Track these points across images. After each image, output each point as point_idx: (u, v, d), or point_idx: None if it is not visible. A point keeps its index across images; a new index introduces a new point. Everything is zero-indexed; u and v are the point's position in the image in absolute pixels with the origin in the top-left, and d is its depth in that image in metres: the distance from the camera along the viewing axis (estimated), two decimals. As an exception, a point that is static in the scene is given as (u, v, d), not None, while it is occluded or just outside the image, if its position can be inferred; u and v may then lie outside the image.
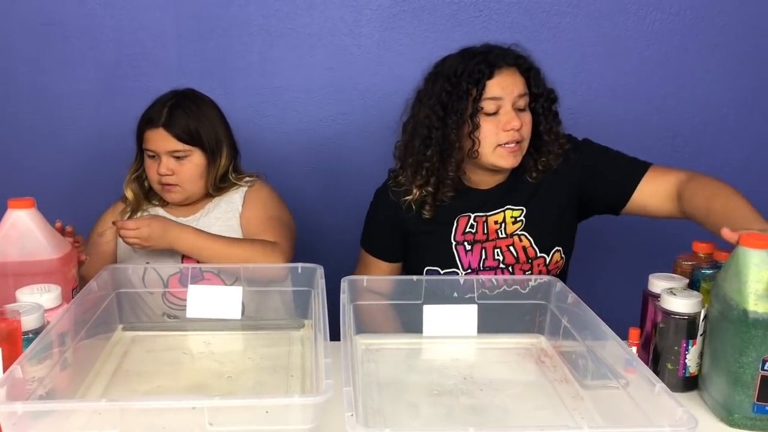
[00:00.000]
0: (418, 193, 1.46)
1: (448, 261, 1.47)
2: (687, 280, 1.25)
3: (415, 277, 1.30)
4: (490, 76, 1.37)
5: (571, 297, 1.22)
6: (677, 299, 1.16)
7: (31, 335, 1.04)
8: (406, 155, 1.47)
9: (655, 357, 1.20)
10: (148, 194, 1.67)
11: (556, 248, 1.48)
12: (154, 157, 1.57)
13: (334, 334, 1.08)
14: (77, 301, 1.18)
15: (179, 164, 1.56)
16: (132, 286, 1.41)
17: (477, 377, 1.18)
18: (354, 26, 1.96)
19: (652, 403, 0.91)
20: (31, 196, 1.27)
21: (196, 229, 1.51)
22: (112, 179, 1.73)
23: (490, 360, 1.26)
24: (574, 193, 1.47)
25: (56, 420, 0.89)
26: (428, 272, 1.49)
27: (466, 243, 1.48)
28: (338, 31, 1.96)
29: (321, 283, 1.28)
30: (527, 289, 1.32)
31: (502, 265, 1.47)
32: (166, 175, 1.56)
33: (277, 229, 1.57)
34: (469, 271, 1.47)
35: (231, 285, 1.44)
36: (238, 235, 1.59)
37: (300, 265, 1.37)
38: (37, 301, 1.11)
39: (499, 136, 1.38)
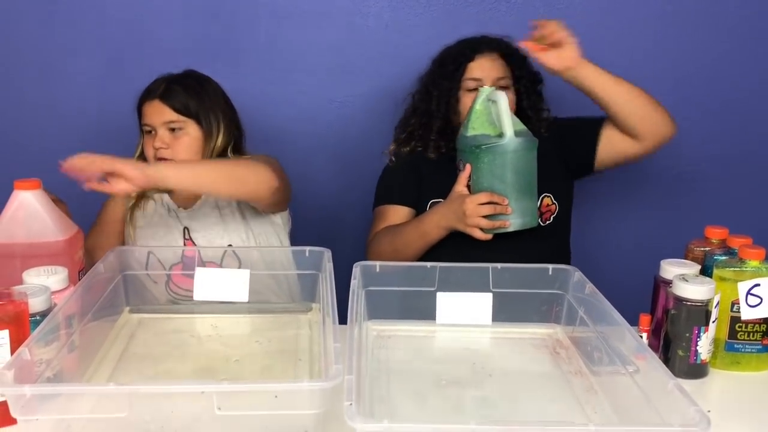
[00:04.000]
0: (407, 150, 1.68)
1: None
2: (699, 266, 1.24)
3: (428, 264, 1.29)
4: (471, 59, 1.60)
5: (589, 287, 1.20)
6: (689, 286, 1.14)
7: (38, 317, 1.03)
8: (400, 123, 1.73)
9: (666, 343, 1.18)
10: None
11: (544, 194, 1.61)
12: (150, 132, 1.54)
13: (343, 319, 1.07)
14: (84, 284, 1.17)
15: (174, 137, 1.53)
16: (138, 268, 1.41)
17: (489, 367, 1.16)
18: (362, 6, 1.94)
19: (665, 399, 0.90)
20: (36, 178, 1.26)
21: (177, 162, 1.46)
22: (117, 161, 1.71)
23: (503, 350, 1.25)
24: (559, 159, 1.64)
25: (64, 403, 0.88)
26: (432, 205, 1.61)
27: None
28: (347, 11, 1.94)
29: (329, 266, 1.27)
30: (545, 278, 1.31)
31: None
32: (161, 148, 1.52)
33: (262, 159, 1.54)
34: None
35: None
36: (243, 225, 1.58)
37: (308, 248, 1.36)
38: (44, 283, 1.10)
39: None
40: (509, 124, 1.46)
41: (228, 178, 1.42)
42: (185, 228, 1.58)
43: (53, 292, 1.10)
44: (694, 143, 2.00)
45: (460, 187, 1.50)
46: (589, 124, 1.63)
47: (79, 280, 1.23)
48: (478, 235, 1.47)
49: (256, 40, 1.94)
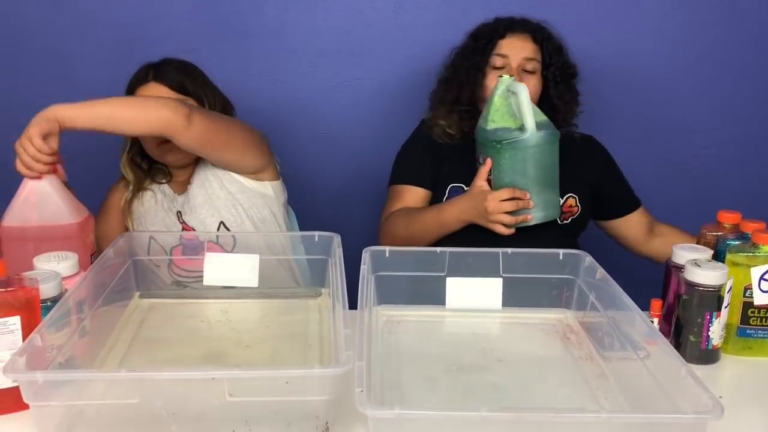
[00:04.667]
0: (443, 123, 1.66)
1: (472, 178, 1.53)
2: (711, 251, 1.23)
3: (438, 249, 1.28)
4: (502, 36, 1.59)
5: (600, 272, 1.19)
6: (702, 271, 1.14)
7: (49, 303, 1.03)
8: (433, 95, 1.70)
9: (677, 329, 1.18)
10: (150, 171, 1.63)
11: (570, 194, 1.59)
12: None
13: (352, 304, 1.07)
14: (94, 269, 1.17)
15: None
16: (147, 253, 1.41)
17: (499, 353, 1.16)
18: (370, -12, 1.92)
19: (678, 386, 0.89)
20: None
21: (82, 103, 1.35)
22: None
23: (513, 335, 1.24)
24: (592, 183, 1.65)
25: (76, 389, 0.89)
26: (452, 189, 1.60)
27: None
28: (354, -7, 1.92)
29: (338, 251, 1.26)
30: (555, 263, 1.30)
31: None
32: None
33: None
34: None
35: (231, 251, 1.41)
36: (231, 200, 1.55)
37: (317, 233, 1.36)
38: (54, 268, 1.10)
39: None
40: (530, 116, 1.41)
41: (127, 106, 1.37)
42: (178, 212, 1.58)
43: (64, 278, 1.10)
44: (705, 127, 1.99)
45: (481, 181, 1.47)
46: (626, 201, 1.70)
47: (91, 263, 1.23)
48: (501, 230, 1.45)
49: (262, 22, 1.93)
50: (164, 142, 1.51)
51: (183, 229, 1.56)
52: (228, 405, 0.86)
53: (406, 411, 0.80)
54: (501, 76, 1.48)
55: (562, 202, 1.56)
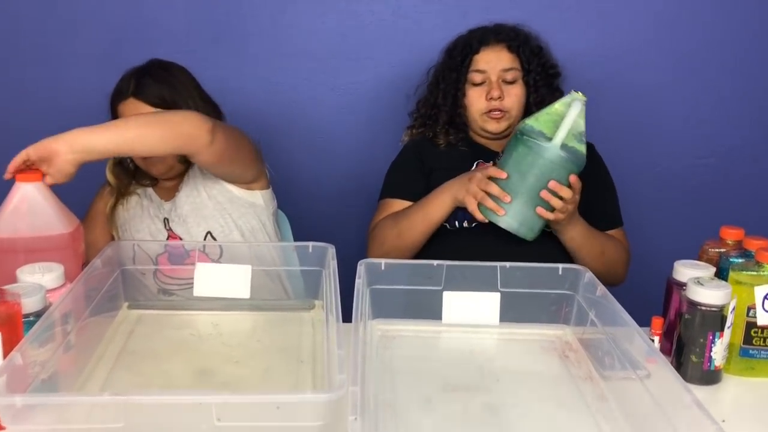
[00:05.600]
0: (430, 135, 1.65)
1: None
2: (714, 269, 1.20)
3: (435, 262, 1.25)
4: (476, 52, 1.58)
5: (600, 289, 1.17)
6: (705, 290, 1.11)
7: (32, 318, 1.00)
8: (416, 115, 1.71)
9: (678, 348, 1.15)
10: (136, 174, 1.59)
11: None
12: None
13: (346, 317, 1.03)
14: (81, 280, 1.14)
15: None
16: (129, 262, 1.37)
17: (496, 371, 1.13)
18: (367, -9, 1.89)
19: (680, 410, 0.86)
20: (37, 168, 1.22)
21: (93, 127, 1.27)
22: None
23: (511, 352, 1.21)
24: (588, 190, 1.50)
25: (58, 411, 0.85)
26: None
27: None
28: (352, -4, 1.89)
29: (333, 264, 1.23)
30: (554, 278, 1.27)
31: None
32: None
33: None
34: None
35: (216, 261, 1.38)
36: (219, 210, 1.52)
37: (311, 244, 1.33)
38: (39, 281, 1.07)
39: (484, 104, 1.57)
40: (564, 132, 1.35)
41: (150, 125, 1.30)
42: (165, 219, 1.54)
43: (49, 291, 1.07)
44: (706, 133, 1.96)
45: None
46: (609, 217, 1.62)
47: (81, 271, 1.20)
48: (473, 207, 1.40)
49: (259, 24, 1.90)
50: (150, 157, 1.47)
51: (169, 236, 1.53)
52: (216, 430, 0.83)
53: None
54: (574, 91, 1.39)
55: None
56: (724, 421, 0.92)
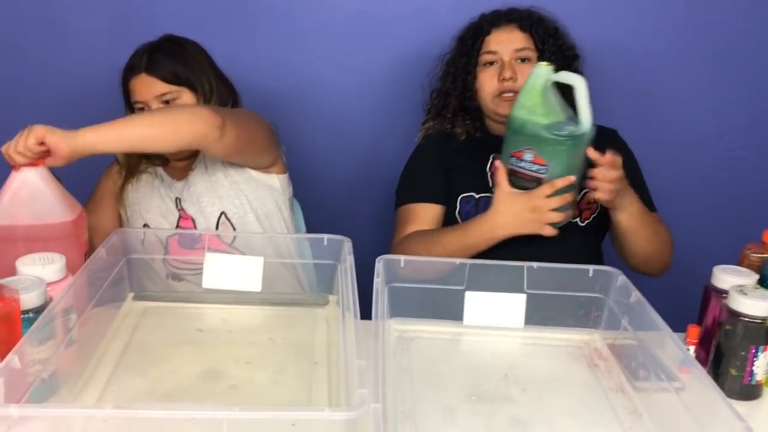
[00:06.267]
0: (448, 126, 1.58)
1: (482, 186, 1.49)
2: (756, 275, 1.13)
3: (458, 260, 1.18)
4: (487, 33, 1.52)
5: (635, 294, 1.10)
6: (748, 300, 1.04)
7: (31, 314, 0.94)
8: (430, 106, 1.64)
9: (716, 359, 1.08)
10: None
11: (588, 189, 1.39)
12: (143, 109, 1.43)
13: (361, 314, 0.97)
14: (84, 273, 1.07)
15: None
16: (138, 247, 1.30)
17: (522, 380, 1.07)
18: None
19: (719, 427, 0.81)
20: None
21: (99, 125, 1.22)
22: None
23: (537, 358, 1.15)
24: None
25: (57, 420, 0.79)
26: (462, 200, 1.49)
27: None
28: (369, -28, 1.80)
29: (349, 258, 1.17)
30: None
31: None
32: None
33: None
34: None
35: (230, 244, 1.32)
36: (235, 190, 1.47)
37: (326, 236, 1.26)
38: (39, 273, 1.01)
39: (496, 86, 1.49)
40: (588, 112, 1.29)
41: (158, 124, 1.26)
42: (177, 198, 1.48)
43: (49, 284, 1.01)
44: (740, 125, 1.87)
45: (506, 185, 1.35)
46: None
47: (84, 261, 1.13)
48: (548, 231, 1.33)
49: (272, 1, 1.81)
50: None
51: (181, 216, 1.47)
52: (226, 446, 0.77)
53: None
54: (539, 64, 1.32)
55: (579, 197, 1.44)
56: (766, 442, 0.86)
